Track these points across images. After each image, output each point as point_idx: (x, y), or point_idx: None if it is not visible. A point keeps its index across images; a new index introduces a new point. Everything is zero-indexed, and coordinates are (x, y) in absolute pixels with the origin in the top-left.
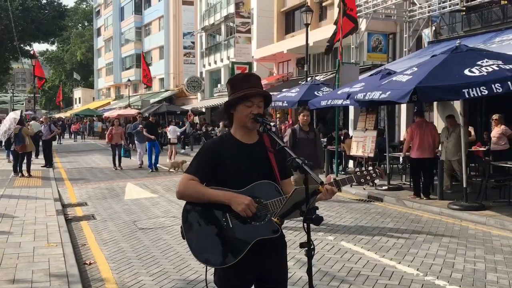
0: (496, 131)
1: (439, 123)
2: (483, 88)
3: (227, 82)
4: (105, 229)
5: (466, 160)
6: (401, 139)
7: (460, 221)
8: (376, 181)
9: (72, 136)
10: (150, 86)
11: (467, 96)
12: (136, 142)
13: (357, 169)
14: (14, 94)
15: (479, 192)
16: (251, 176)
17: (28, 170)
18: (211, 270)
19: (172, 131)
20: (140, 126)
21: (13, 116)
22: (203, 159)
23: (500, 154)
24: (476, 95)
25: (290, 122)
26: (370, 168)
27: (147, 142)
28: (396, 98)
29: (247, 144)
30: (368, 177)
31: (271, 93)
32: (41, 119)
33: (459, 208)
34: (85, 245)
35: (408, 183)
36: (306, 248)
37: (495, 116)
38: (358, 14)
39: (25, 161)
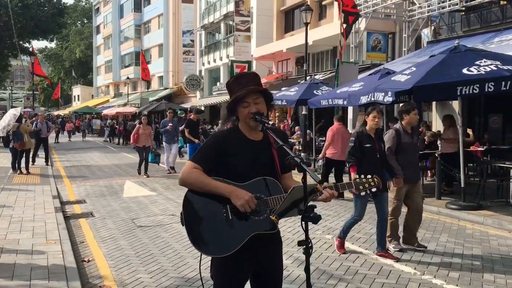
0: (447, 134)
1: (438, 123)
2: (476, 86)
3: (226, 86)
4: (104, 227)
5: (464, 160)
6: None
7: (457, 220)
8: (373, 189)
9: (68, 135)
10: (148, 81)
11: (459, 93)
12: (164, 143)
13: (356, 176)
14: (13, 91)
15: (477, 192)
16: (254, 172)
17: (27, 168)
18: (207, 265)
19: None
20: (170, 124)
21: (13, 112)
22: (209, 150)
23: (448, 157)
24: (468, 93)
25: (289, 121)
26: (369, 176)
27: (188, 144)
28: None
29: (255, 141)
30: (366, 185)
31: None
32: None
33: (457, 208)
34: (83, 242)
35: None
36: (304, 246)
37: (446, 117)
38: None
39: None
